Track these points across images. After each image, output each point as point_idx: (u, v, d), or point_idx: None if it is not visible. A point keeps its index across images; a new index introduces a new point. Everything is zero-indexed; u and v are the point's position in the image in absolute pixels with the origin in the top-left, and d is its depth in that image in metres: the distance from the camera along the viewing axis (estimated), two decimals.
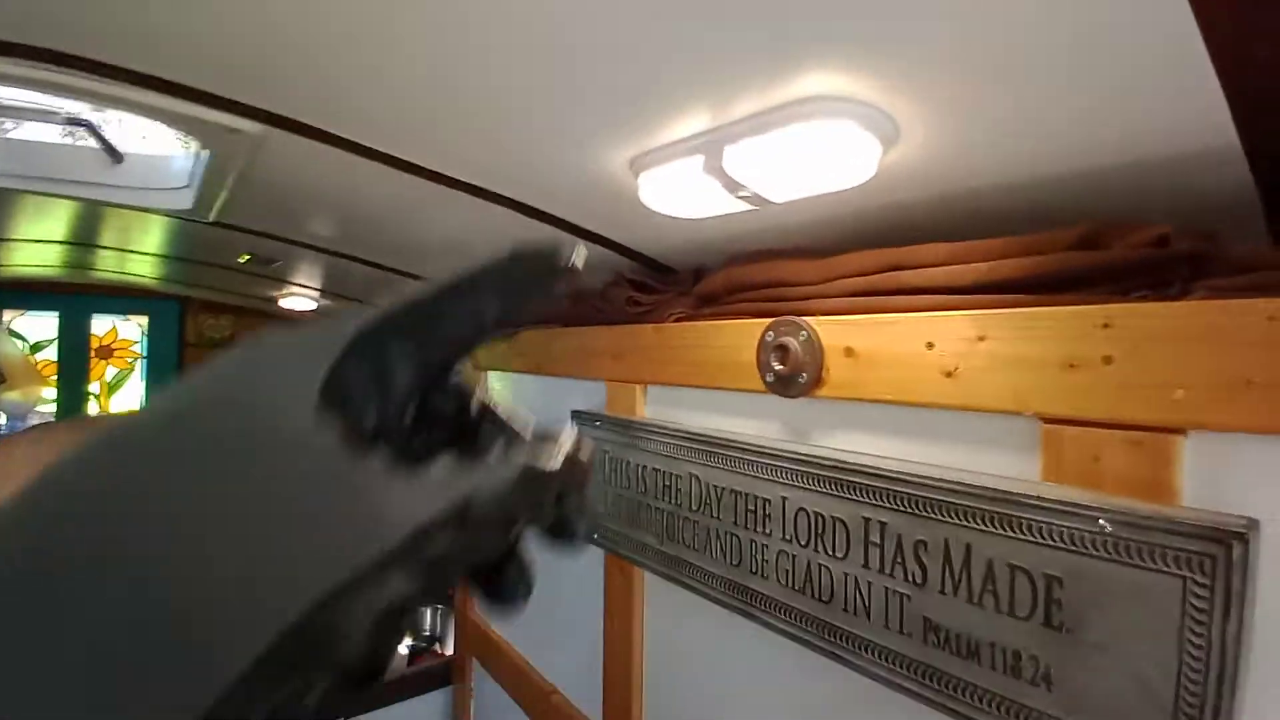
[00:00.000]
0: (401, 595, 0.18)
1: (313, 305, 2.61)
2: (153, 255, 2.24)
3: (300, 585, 0.16)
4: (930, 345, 0.68)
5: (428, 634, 2.18)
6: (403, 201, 1.10)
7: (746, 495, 0.84)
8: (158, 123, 0.84)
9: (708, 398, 0.99)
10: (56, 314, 2.99)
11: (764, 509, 0.82)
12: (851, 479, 0.71)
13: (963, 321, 0.66)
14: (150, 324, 3.21)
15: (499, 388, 1.68)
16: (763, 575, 0.82)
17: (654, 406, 1.10)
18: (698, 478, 0.92)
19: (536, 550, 0.24)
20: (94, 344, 3.08)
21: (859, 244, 0.83)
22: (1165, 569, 0.49)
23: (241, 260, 1.96)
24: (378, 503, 0.18)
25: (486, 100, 0.72)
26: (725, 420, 0.95)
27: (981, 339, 0.64)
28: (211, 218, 1.39)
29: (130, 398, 3.16)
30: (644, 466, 1.02)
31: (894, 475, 0.67)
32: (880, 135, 0.61)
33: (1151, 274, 0.61)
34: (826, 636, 0.74)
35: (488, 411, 0.27)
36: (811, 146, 0.62)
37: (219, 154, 0.97)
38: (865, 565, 0.70)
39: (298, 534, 0.17)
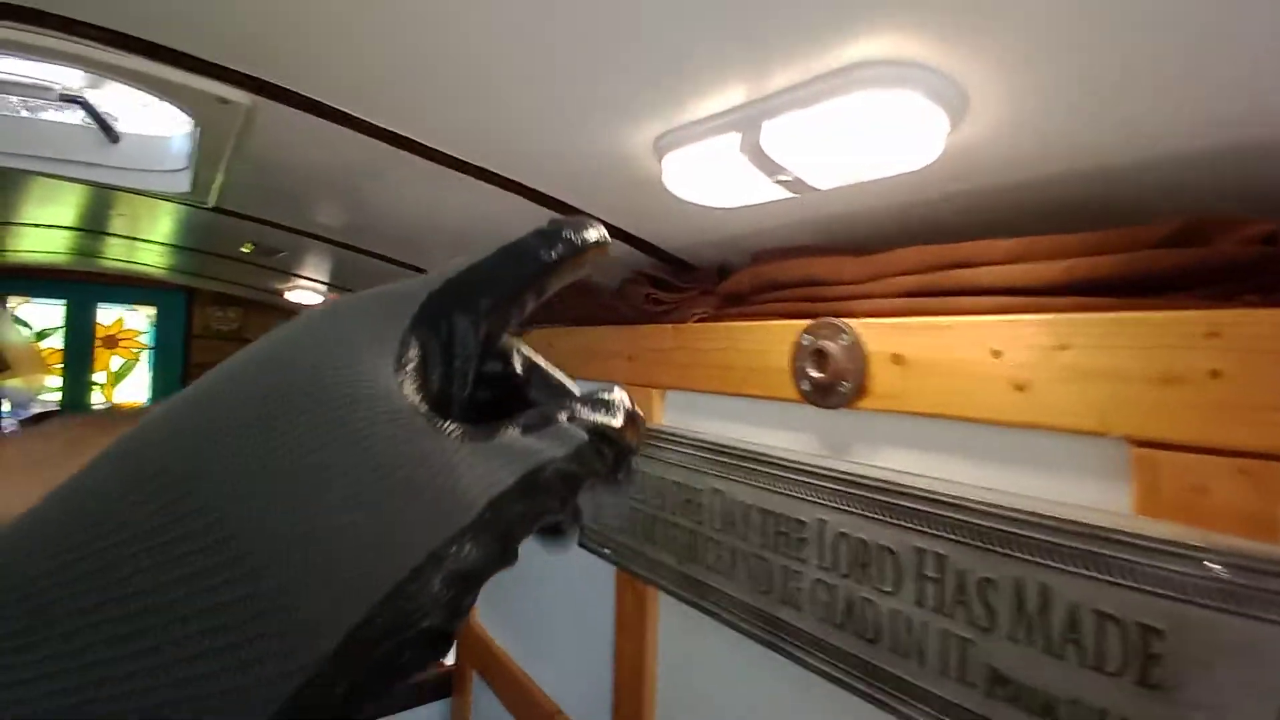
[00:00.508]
0: (476, 563, 0.18)
1: (319, 299, 2.55)
2: (160, 244, 2.19)
3: (392, 558, 0.17)
4: (997, 354, 0.59)
5: None
6: (403, 185, 1.02)
7: (778, 515, 0.76)
8: (141, 90, 0.77)
9: (733, 405, 0.90)
10: (63, 302, 2.96)
11: (798, 531, 0.73)
12: (903, 503, 0.63)
13: (1038, 327, 0.57)
14: (157, 314, 3.16)
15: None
16: (795, 605, 0.73)
17: (672, 413, 1.02)
18: (722, 493, 0.84)
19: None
20: (100, 333, 3.04)
21: (905, 240, 0.75)
22: None
23: (245, 250, 1.90)
24: (457, 475, 0.18)
25: (499, 68, 0.64)
26: (752, 430, 0.86)
27: (1062, 348, 0.56)
28: (211, 202, 1.32)
29: (135, 389, 3.12)
30: (661, 479, 0.94)
31: (955, 501, 0.58)
32: (948, 108, 0.53)
33: (1261, 276, 0.52)
34: (869, 678, 0.65)
35: (535, 369, 0.27)
36: (867, 121, 0.54)
37: (208, 127, 0.90)
38: (919, 603, 0.61)
39: (388, 507, 0.17)
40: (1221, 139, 0.52)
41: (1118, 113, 0.53)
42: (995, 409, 0.59)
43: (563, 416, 0.21)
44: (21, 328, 2.84)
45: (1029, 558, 0.53)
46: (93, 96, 1.19)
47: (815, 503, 0.71)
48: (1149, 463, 0.51)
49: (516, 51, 0.61)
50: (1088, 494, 0.55)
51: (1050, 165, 0.61)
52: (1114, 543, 0.49)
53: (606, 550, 1.06)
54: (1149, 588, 0.48)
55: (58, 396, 2.91)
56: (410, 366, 0.20)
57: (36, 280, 2.81)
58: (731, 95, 0.61)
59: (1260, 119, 0.50)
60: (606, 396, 0.22)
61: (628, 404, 0.23)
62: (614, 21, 0.54)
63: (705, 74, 0.59)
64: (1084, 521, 0.51)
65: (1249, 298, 0.53)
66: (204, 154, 1.03)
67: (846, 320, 0.72)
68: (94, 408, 2.97)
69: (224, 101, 0.78)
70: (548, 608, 1.36)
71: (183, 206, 1.49)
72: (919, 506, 0.61)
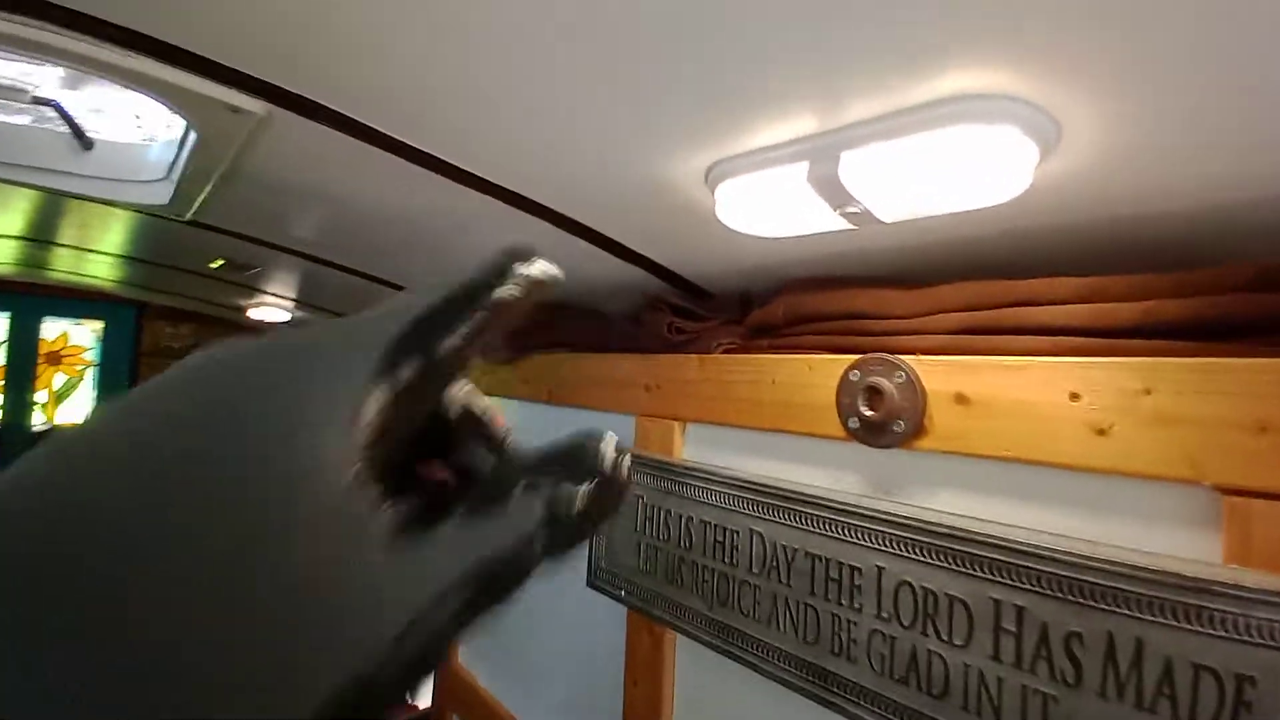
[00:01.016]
0: (437, 634, 0.17)
1: (284, 316, 2.43)
2: (113, 255, 2.05)
3: (317, 681, 0.15)
4: (1075, 396, 0.58)
5: None
6: (413, 202, 0.97)
7: (828, 560, 0.72)
8: (144, 94, 0.71)
9: (764, 441, 0.87)
10: (7, 315, 2.75)
11: (853, 579, 0.70)
12: (975, 552, 0.60)
13: (1120, 369, 0.56)
14: (105, 329, 2.97)
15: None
16: (849, 657, 0.70)
17: (694, 447, 0.98)
18: (761, 535, 0.80)
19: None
20: (43, 349, 2.83)
21: (950, 275, 0.73)
22: None
23: (214, 266, 1.79)
24: (380, 590, 0.17)
25: (530, 88, 0.60)
26: (787, 468, 0.83)
27: (1146, 392, 0.54)
28: (189, 216, 1.24)
29: (78, 408, 2.91)
30: (689, 517, 0.90)
31: (1038, 550, 0.56)
32: (1041, 142, 0.51)
33: None
34: None
35: (472, 416, 0.25)
36: (957, 155, 0.52)
37: (210, 138, 0.83)
38: (995, 657, 0.58)
39: (319, 620, 0.16)
40: None
41: (1216, 148, 0.52)
42: (1072, 454, 0.58)
43: (518, 489, 0.20)
44: None
45: (1121, 610, 0.51)
46: (65, 100, 1.10)
47: (872, 548, 0.68)
48: (1241, 512, 0.50)
49: (560, 75, 0.57)
50: (1176, 543, 0.53)
51: (1138, 205, 0.60)
52: (1212, 593, 0.47)
53: (621, 591, 1.00)
54: (1248, 637, 0.46)
55: None
56: (364, 425, 0.18)
57: None
58: (800, 124, 0.59)
59: None
60: (586, 451, 0.21)
61: (610, 459, 0.21)
62: (676, 44, 0.51)
63: (772, 103, 0.56)
64: (1181, 572, 0.49)
65: None
66: (196, 165, 0.95)
67: (902, 357, 0.69)
68: (33, 429, 2.75)
69: (234, 110, 0.72)
70: (545, 650, 1.29)
71: (148, 218, 1.40)
72: (994, 556, 0.59)
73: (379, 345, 0.19)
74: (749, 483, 0.82)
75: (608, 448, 0.21)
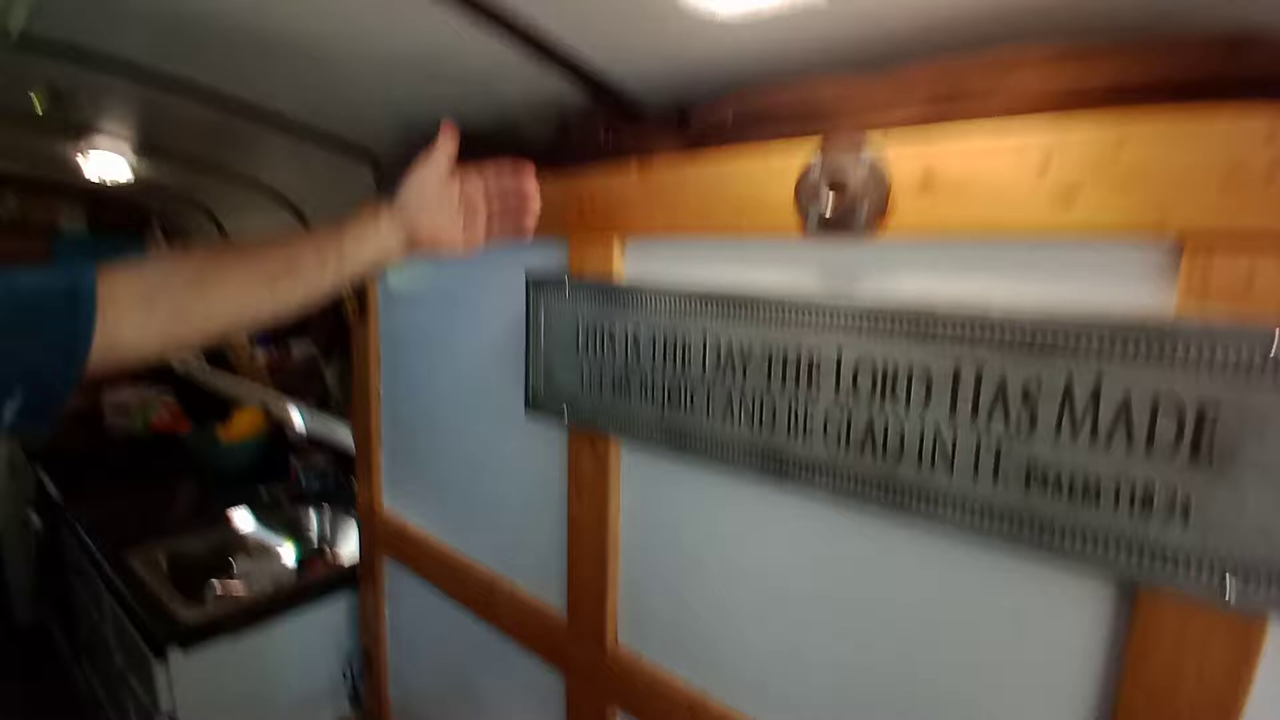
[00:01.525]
0: None
1: (127, 169, 2.05)
2: None
3: None
4: (1047, 158, 0.58)
5: (313, 542, 1.95)
6: None
7: (786, 351, 0.73)
8: None
9: (714, 250, 0.84)
10: None
11: (811, 365, 0.71)
12: (937, 323, 0.62)
13: (1090, 131, 0.56)
14: None
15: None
16: (804, 438, 0.72)
17: (637, 264, 0.93)
18: (716, 336, 0.79)
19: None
20: None
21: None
22: None
23: (34, 97, 1.41)
24: None
25: None
26: (742, 273, 0.81)
27: (1119, 147, 0.55)
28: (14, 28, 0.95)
29: None
30: (634, 332, 0.87)
31: (999, 321, 0.58)
32: None
33: None
34: (888, 493, 0.67)
35: None
36: None
37: None
38: (952, 415, 0.62)
39: None
40: None
41: None
42: (1041, 221, 0.59)
43: None
44: None
45: (1081, 355, 0.55)
46: None
47: (832, 334, 0.69)
48: (1202, 262, 0.52)
49: None
50: (1133, 298, 0.56)
51: None
52: (1176, 333, 0.51)
53: (563, 412, 0.99)
54: (1208, 371, 0.50)
55: None
56: None
57: None
58: None
59: None
60: None
61: None
62: None
63: None
64: (1144, 317, 0.53)
65: None
66: None
67: (867, 132, 0.67)
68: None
69: None
70: (480, 484, 1.28)
71: None
72: (957, 324, 0.61)
73: None
74: (702, 290, 0.80)
75: None
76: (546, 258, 1.03)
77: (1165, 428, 0.52)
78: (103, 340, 0.60)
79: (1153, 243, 0.55)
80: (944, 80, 0.66)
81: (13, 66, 1.16)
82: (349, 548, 1.90)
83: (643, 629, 1.02)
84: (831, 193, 0.67)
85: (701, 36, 0.74)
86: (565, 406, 0.98)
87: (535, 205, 0.88)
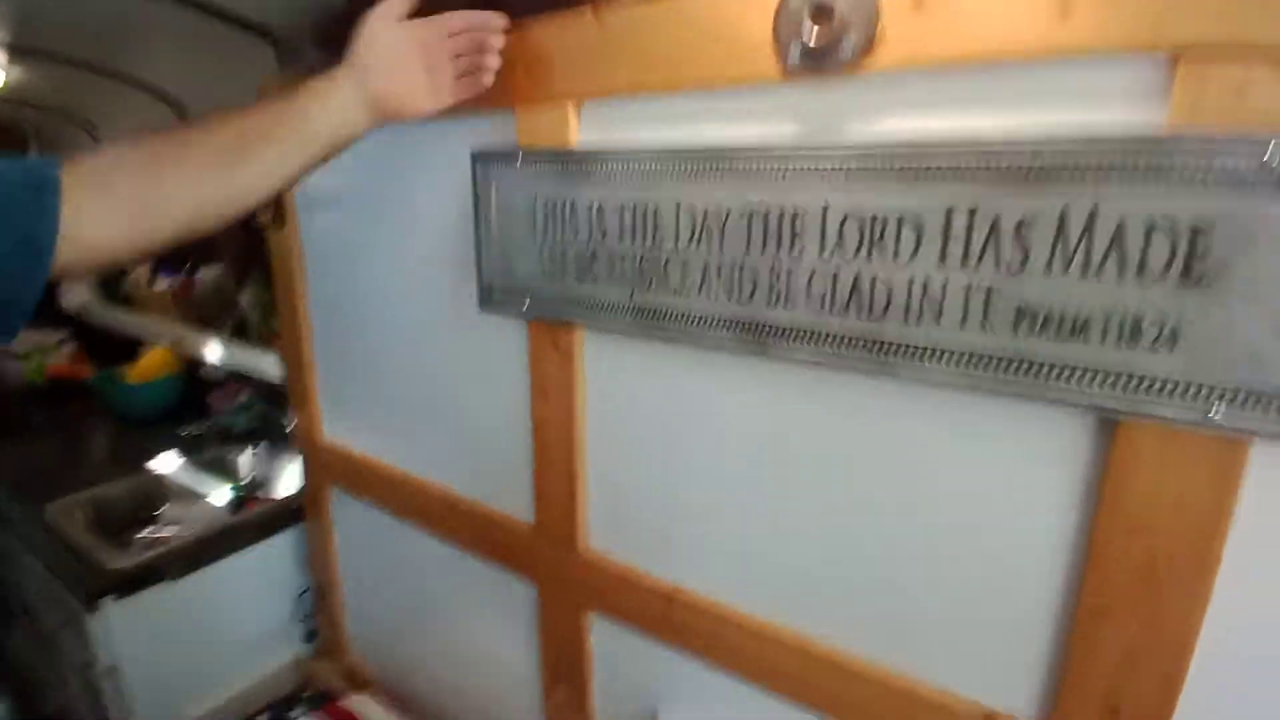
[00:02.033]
0: None
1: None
2: None
3: None
4: None
5: (246, 480, 1.84)
6: None
7: (766, 213, 0.69)
8: None
9: (683, 107, 0.77)
10: None
11: (794, 225, 0.67)
12: (929, 158, 0.59)
13: None
14: None
15: None
16: (787, 304, 0.69)
17: (596, 132, 0.86)
18: (690, 204, 0.74)
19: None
20: None
21: None
22: None
23: None
24: None
25: None
26: (715, 132, 0.75)
27: None
28: None
29: None
30: (599, 206, 0.81)
31: (994, 147, 0.56)
32: None
33: None
34: (874, 353, 0.65)
35: None
36: None
37: None
38: (941, 264, 0.60)
39: None
40: None
41: None
42: (1037, 39, 0.55)
43: None
44: None
45: (1079, 183, 0.53)
46: None
47: (817, 185, 0.65)
48: (1196, 74, 0.51)
49: None
50: (1128, 119, 0.54)
51: None
52: (1175, 149, 0.50)
53: (524, 304, 0.92)
54: (1202, 187, 0.49)
55: None
56: None
57: None
58: None
59: None
60: None
61: None
62: None
63: None
64: (1145, 135, 0.51)
65: None
66: None
67: None
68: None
69: None
70: (430, 395, 1.21)
71: None
72: (950, 156, 0.58)
73: None
74: (673, 150, 0.74)
75: None
76: (487, 132, 0.94)
77: (1158, 251, 0.51)
78: (67, 234, 0.58)
79: (1147, 57, 0.53)
80: None
81: None
82: (288, 483, 1.80)
83: (615, 529, 1.00)
84: (815, 23, 0.62)
85: None
86: (526, 299, 0.92)
87: (494, 59, 0.81)
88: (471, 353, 1.10)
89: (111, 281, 2.80)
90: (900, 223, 0.62)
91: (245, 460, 1.87)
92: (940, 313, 0.61)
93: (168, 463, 1.84)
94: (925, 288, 0.61)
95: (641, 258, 0.79)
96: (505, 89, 0.89)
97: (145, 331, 2.41)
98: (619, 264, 0.81)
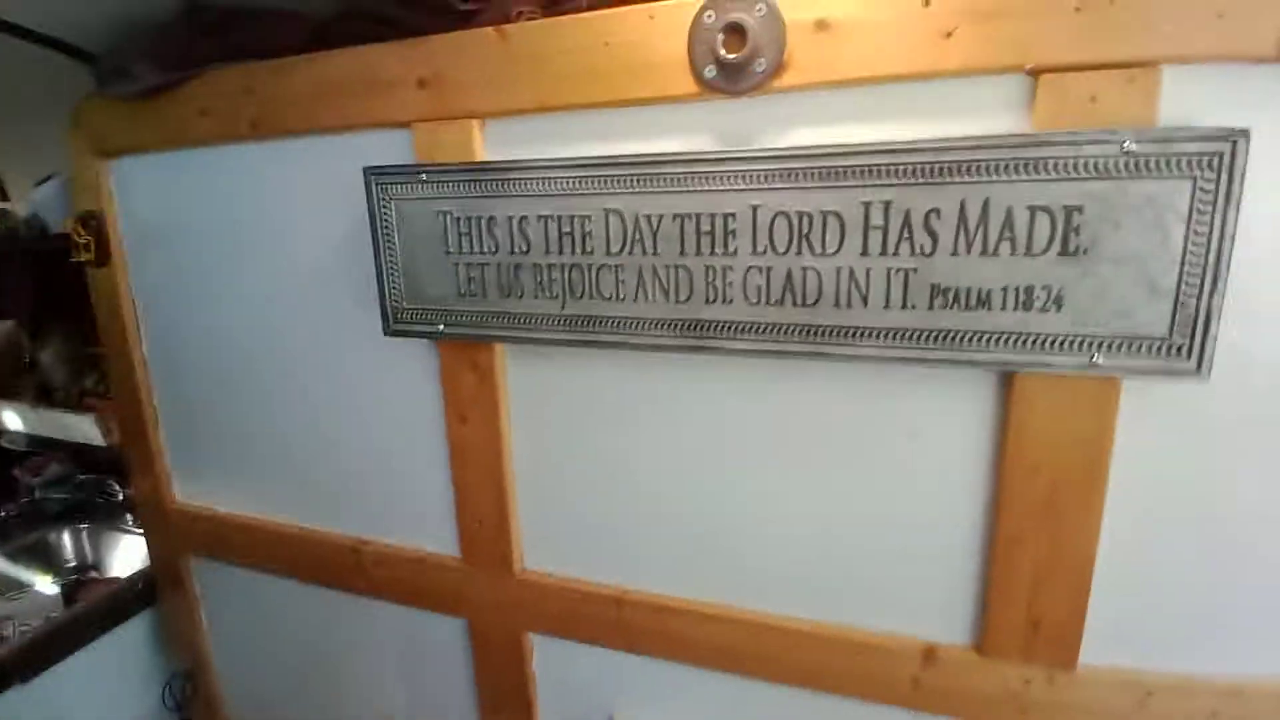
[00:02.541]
0: None
1: None
2: None
3: None
4: (926, 2, 0.63)
5: (74, 564, 1.55)
6: None
7: (698, 216, 0.72)
8: None
9: (595, 124, 0.79)
10: None
11: (726, 225, 0.71)
12: (847, 163, 0.65)
13: None
14: None
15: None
16: (724, 300, 0.73)
17: (502, 150, 0.84)
18: (619, 212, 0.75)
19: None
20: None
21: None
22: (1177, 174, 0.57)
23: None
24: None
25: None
26: (633, 146, 0.77)
27: None
28: None
29: None
30: (520, 218, 0.79)
31: (900, 147, 0.63)
32: None
33: None
34: (808, 339, 0.71)
35: None
36: None
37: None
38: (864, 253, 0.67)
39: None
40: None
41: None
42: (926, 62, 0.64)
43: None
44: None
45: (974, 179, 0.62)
46: None
47: (746, 189, 0.70)
48: (1055, 85, 0.62)
49: None
50: (999, 126, 0.65)
51: None
52: (1050, 144, 0.60)
53: (438, 326, 0.88)
54: (1077, 174, 0.60)
55: None
56: None
57: None
58: None
59: None
60: None
61: None
62: None
63: None
64: (1028, 133, 0.61)
65: None
66: None
67: None
68: None
69: None
70: (317, 442, 1.10)
71: None
72: (864, 161, 0.65)
73: None
74: (598, 161, 0.75)
75: None
76: (378, 149, 0.88)
77: (1041, 231, 0.62)
78: None
79: (1015, 75, 0.63)
80: None
81: None
82: (126, 561, 1.54)
83: (552, 545, 0.98)
84: (726, 46, 0.66)
85: None
86: (440, 320, 0.87)
87: None
88: (372, 382, 1.02)
89: None
90: (825, 218, 0.68)
91: (66, 543, 1.57)
92: (867, 296, 0.68)
93: None
94: (852, 275, 0.68)
95: (571, 267, 0.79)
96: (400, 105, 0.84)
97: None
98: (546, 275, 0.80)
